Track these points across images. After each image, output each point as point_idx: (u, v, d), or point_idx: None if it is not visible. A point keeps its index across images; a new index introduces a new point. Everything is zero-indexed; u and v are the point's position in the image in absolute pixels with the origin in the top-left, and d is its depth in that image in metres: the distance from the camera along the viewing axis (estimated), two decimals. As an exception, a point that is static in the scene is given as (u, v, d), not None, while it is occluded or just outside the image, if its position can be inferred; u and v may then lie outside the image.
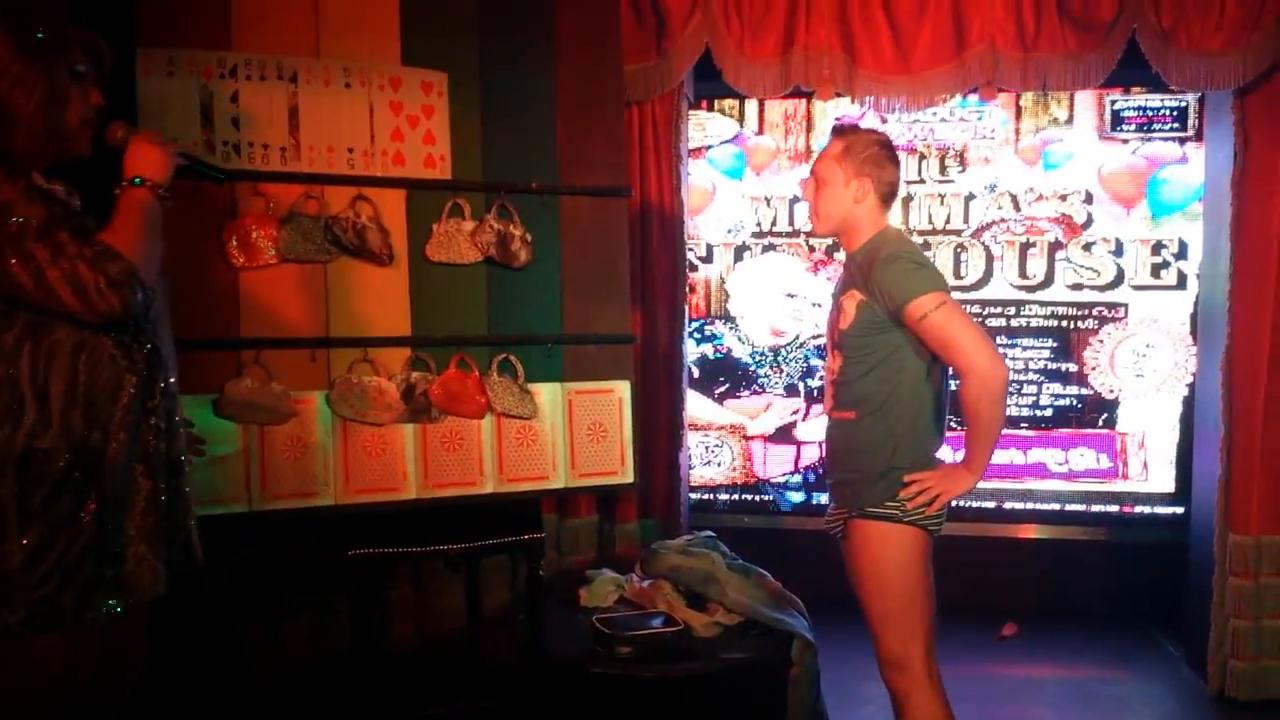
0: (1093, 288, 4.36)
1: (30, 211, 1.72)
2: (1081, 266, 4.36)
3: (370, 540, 2.72)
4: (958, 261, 4.41)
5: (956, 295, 2.89)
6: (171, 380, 1.97)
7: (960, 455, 2.48)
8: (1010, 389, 4.30)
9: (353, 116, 2.86)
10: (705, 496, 4.62)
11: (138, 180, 1.90)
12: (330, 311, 2.81)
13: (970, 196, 4.40)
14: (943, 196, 4.41)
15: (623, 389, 3.12)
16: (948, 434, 2.55)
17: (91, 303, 1.73)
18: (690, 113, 4.33)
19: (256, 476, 2.72)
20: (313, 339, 2.80)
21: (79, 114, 1.85)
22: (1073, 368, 4.38)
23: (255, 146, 2.78)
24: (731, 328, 4.59)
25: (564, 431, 3.04)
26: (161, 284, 1.98)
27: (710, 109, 4.53)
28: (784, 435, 4.57)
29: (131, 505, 1.84)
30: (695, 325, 4.54)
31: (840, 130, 2.60)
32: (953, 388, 2.51)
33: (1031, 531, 4.43)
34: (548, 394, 3.03)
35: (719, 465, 4.62)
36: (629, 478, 3.13)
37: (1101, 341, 4.36)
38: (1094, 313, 4.36)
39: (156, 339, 1.92)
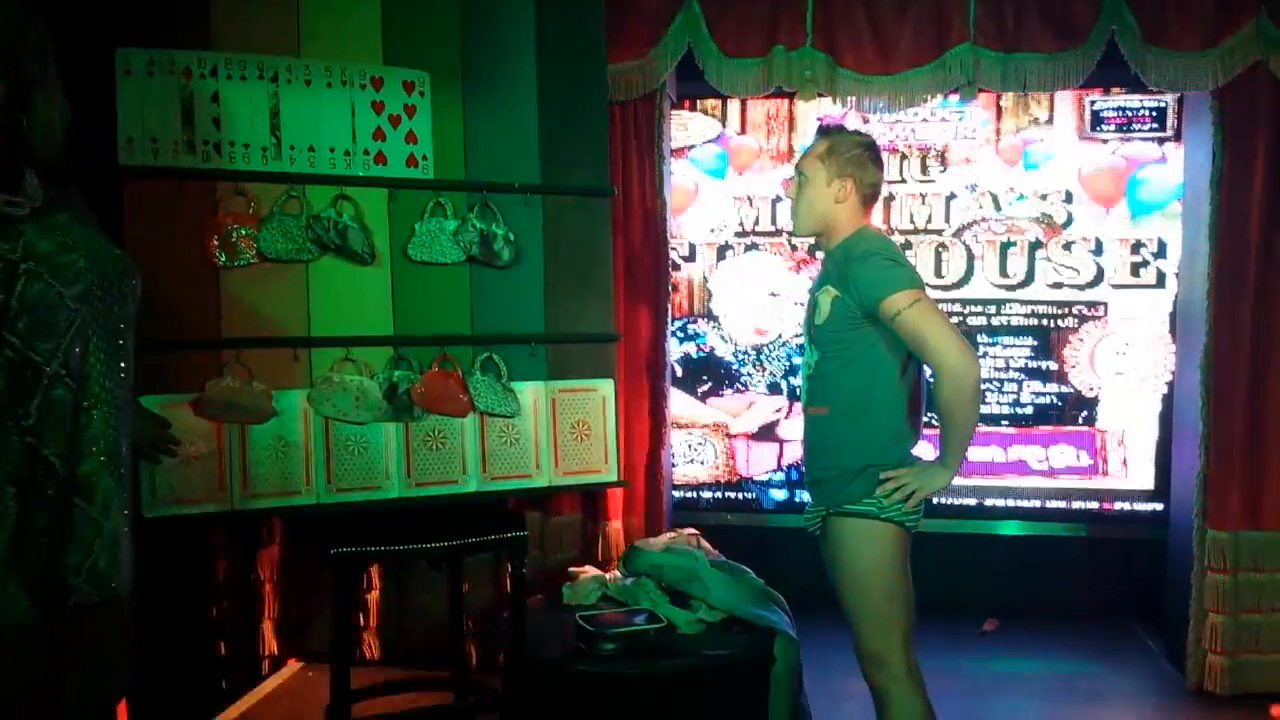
0: (1073, 286, 4.38)
1: None
2: (1061, 265, 4.38)
3: (353, 538, 2.71)
4: (939, 260, 4.43)
5: (938, 294, 2.92)
6: (63, 393, 1.78)
7: (936, 452, 2.50)
8: (991, 387, 4.36)
9: (334, 116, 2.86)
10: (689, 494, 4.63)
11: None
12: (312, 311, 2.81)
13: (951, 196, 4.43)
14: (924, 196, 4.44)
15: (606, 388, 3.13)
16: (924, 431, 2.56)
17: None
18: (673, 112, 4.34)
19: (238, 476, 2.72)
20: (295, 338, 2.80)
21: None
22: (1053, 366, 4.41)
23: (236, 146, 2.78)
24: (714, 326, 4.60)
25: (548, 430, 3.05)
26: (110, 284, 1.84)
27: (693, 109, 4.54)
28: (767, 433, 4.58)
29: None
30: (678, 324, 4.55)
31: (825, 130, 2.62)
32: (929, 384, 2.52)
33: (1012, 528, 4.45)
34: (531, 393, 3.03)
35: (702, 463, 4.63)
36: (613, 476, 3.14)
37: (1081, 340, 4.38)
38: (1074, 311, 4.39)
39: (31, 349, 1.75)
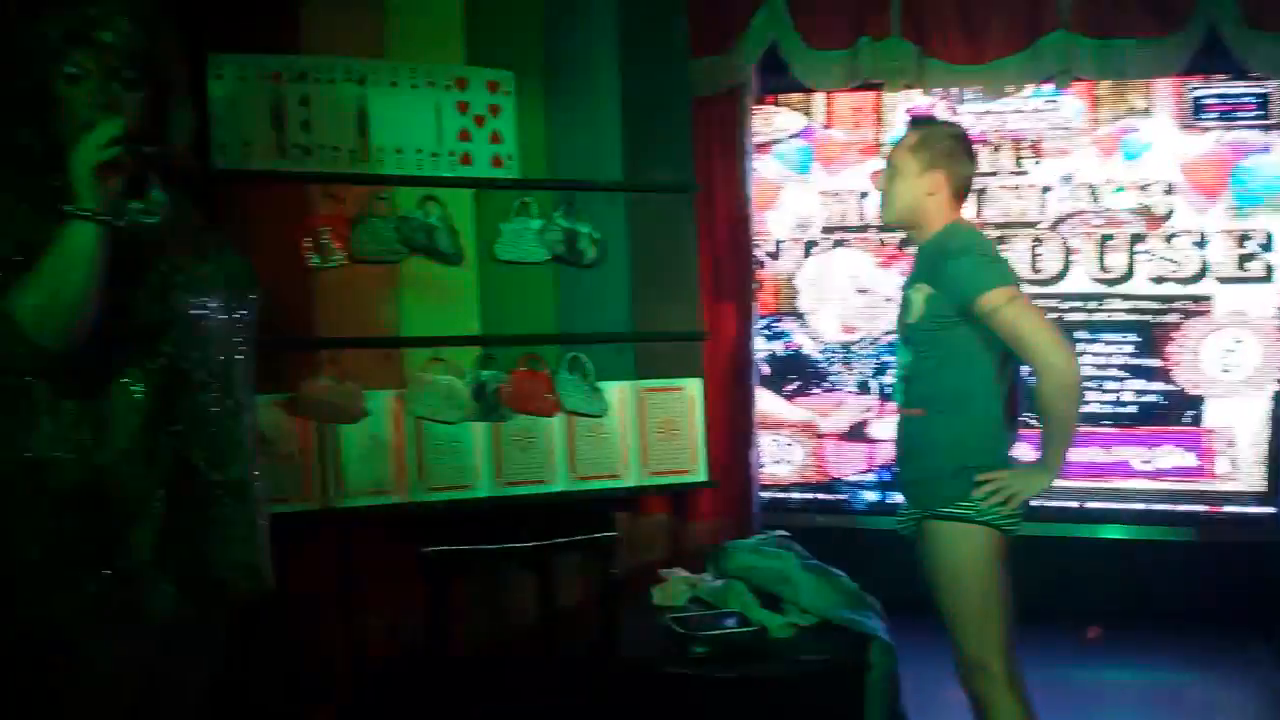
0: (1175, 280, 4.23)
1: None
2: (1163, 259, 4.23)
3: (444, 538, 2.72)
4: (1034, 255, 4.31)
5: (1033, 290, 2.82)
6: (209, 400, 1.87)
7: (1036, 454, 2.41)
8: (1091, 385, 4.22)
9: (420, 117, 2.88)
10: (777, 495, 4.57)
11: (72, 210, 1.68)
12: (402, 311, 2.84)
13: (1046, 188, 4.30)
14: (1017, 188, 4.32)
15: (694, 386, 3.10)
16: (1023, 432, 2.48)
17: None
18: (757, 107, 4.30)
19: (331, 475, 2.74)
20: (385, 338, 2.82)
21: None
22: (1156, 363, 4.26)
23: (325, 149, 2.80)
24: (801, 324, 4.54)
25: (635, 429, 3.02)
26: (241, 298, 1.92)
27: (777, 103, 4.49)
28: (857, 433, 4.51)
29: (144, 528, 1.79)
30: (764, 322, 4.49)
31: (916, 121, 2.57)
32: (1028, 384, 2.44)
33: (1115, 532, 4.31)
34: (618, 392, 3.02)
35: (790, 464, 4.57)
36: (701, 476, 3.11)
37: (1186, 336, 4.23)
38: (1177, 306, 4.23)
39: (185, 359, 1.83)
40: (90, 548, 1.74)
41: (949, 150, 2.45)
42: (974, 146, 2.53)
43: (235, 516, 1.90)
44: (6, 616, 1.72)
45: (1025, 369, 2.40)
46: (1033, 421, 2.38)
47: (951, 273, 2.34)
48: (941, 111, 4.17)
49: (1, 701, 1.78)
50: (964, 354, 2.38)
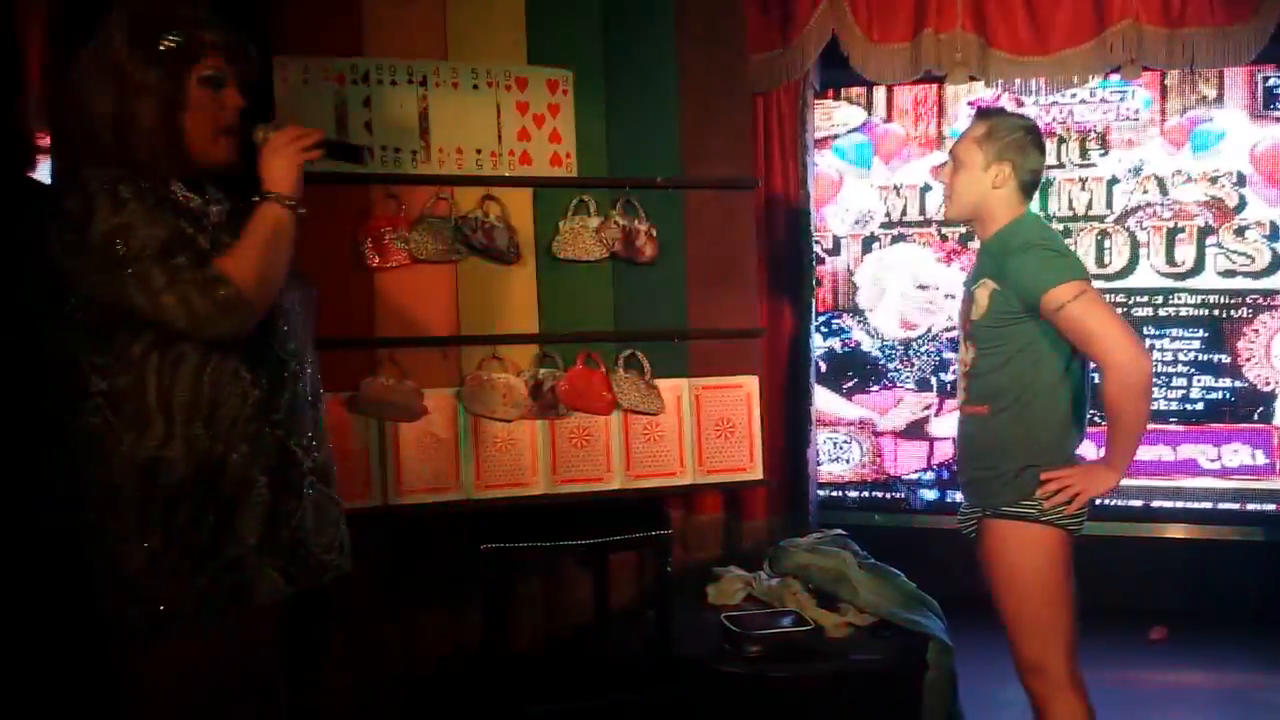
0: (1246, 274, 4.13)
1: (152, 232, 1.72)
2: (1234, 252, 4.13)
3: (501, 535, 2.75)
4: (1101, 249, 4.23)
5: (1100, 284, 2.77)
6: (303, 389, 1.97)
7: (1101, 452, 2.37)
8: (1158, 382, 4.14)
9: (481, 117, 2.90)
10: (834, 493, 4.54)
11: (266, 196, 1.88)
12: (460, 310, 2.86)
13: (1113, 180, 4.22)
14: (1084, 181, 4.24)
15: (751, 384, 3.09)
16: (1089, 429, 2.44)
17: (200, 326, 1.74)
18: (816, 101, 4.26)
19: (391, 472, 2.78)
20: (444, 337, 2.85)
21: (208, 122, 1.85)
22: (1226, 359, 4.16)
23: (387, 150, 2.83)
24: (860, 321, 4.51)
25: (691, 427, 3.02)
26: (307, 293, 2.03)
27: (837, 97, 4.44)
28: (916, 431, 4.46)
29: (251, 515, 1.85)
30: (822, 319, 4.46)
31: (984, 112, 2.50)
32: (1094, 381, 2.40)
33: (1181, 531, 4.23)
34: (674, 389, 3.02)
35: (848, 462, 4.54)
36: (758, 474, 3.09)
37: (1257, 331, 4.13)
38: (1248, 301, 4.13)
39: (284, 350, 1.93)
40: (200, 539, 1.80)
41: (1018, 142, 2.40)
42: (1043, 138, 2.48)
43: (325, 500, 2.00)
44: (122, 611, 1.78)
45: (1092, 365, 2.36)
46: (1099, 419, 2.34)
47: (1017, 268, 2.31)
48: (1006, 103, 4.10)
49: (106, 688, 1.86)
50: (1030, 351, 2.35)
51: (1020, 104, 4.10)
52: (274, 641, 1.98)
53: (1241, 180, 4.11)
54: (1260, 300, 4.12)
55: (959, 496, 2.60)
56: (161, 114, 1.80)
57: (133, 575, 1.76)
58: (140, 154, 1.79)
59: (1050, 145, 4.20)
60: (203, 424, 1.80)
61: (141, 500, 1.77)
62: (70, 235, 1.71)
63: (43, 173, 2.50)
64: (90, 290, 1.73)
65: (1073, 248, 3.84)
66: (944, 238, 4.39)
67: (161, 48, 1.80)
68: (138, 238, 1.71)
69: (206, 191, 1.92)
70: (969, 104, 4.29)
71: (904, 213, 4.42)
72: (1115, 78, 3.95)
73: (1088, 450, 2.45)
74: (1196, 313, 4.18)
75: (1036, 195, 2.52)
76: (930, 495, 4.45)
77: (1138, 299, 4.21)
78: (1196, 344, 4.19)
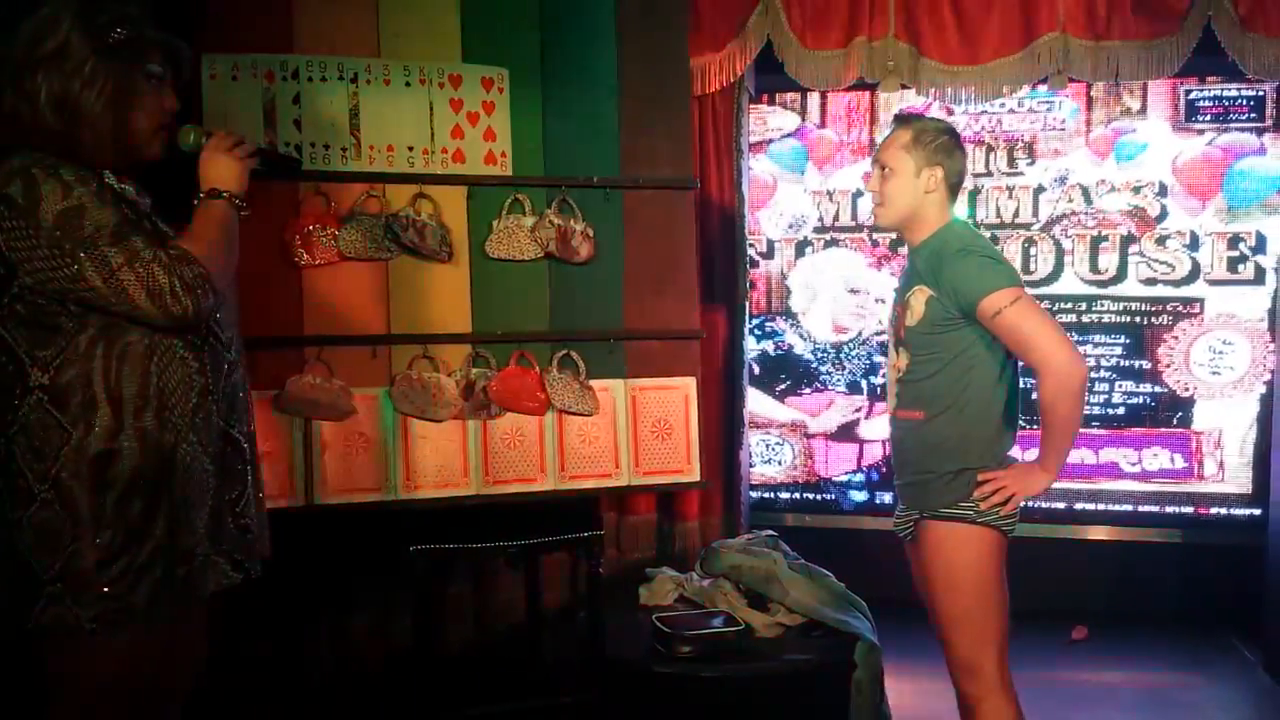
0: (1167, 282, 4.24)
1: (103, 215, 1.72)
2: (1155, 261, 4.24)
3: (431, 536, 2.72)
4: (1027, 256, 4.31)
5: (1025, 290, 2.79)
6: (238, 377, 1.99)
7: (1032, 454, 2.41)
8: (1082, 387, 4.22)
9: (413, 115, 2.86)
10: (766, 495, 4.57)
11: (216, 193, 1.93)
12: (391, 308, 2.82)
13: (1040, 189, 4.31)
14: (1011, 189, 4.32)
15: (689, 385, 3.08)
16: (1020, 433, 2.48)
17: (165, 306, 1.74)
18: (751, 106, 4.29)
19: (318, 472, 2.74)
20: (374, 336, 2.81)
21: (151, 117, 1.86)
22: (1146, 365, 4.27)
23: (317, 147, 2.79)
24: (793, 324, 4.54)
25: (628, 428, 3.01)
26: (233, 284, 2.02)
27: (771, 103, 4.48)
28: (846, 433, 4.51)
29: (201, 505, 1.86)
30: (756, 321, 4.49)
31: (905, 119, 2.52)
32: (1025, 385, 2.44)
33: (1103, 533, 4.32)
34: (610, 391, 3.00)
35: (780, 463, 4.57)
36: (695, 476, 3.08)
37: (1176, 338, 4.24)
38: (1168, 308, 4.24)
39: (222, 339, 1.94)
40: (154, 532, 1.79)
41: (944, 146, 2.43)
42: (962, 141, 2.52)
43: (261, 491, 2.03)
44: (73, 612, 1.74)
45: (1023, 368, 2.40)
46: (1024, 423, 2.38)
47: (954, 275, 2.33)
48: (936, 112, 4.16)
49: (42, 688, 1.83)
50: (965, 356, 2.37)
51: (950, 112, 4.17)
52: (203, 634, 1.99)
53: (1163, 190, 4.21)
54: (1180, 308, 4.23)
55: (888, 498, 2.63)
56: (112, 104, 1.79)
57: (85, 574, 1.74)
58: (85, 141, 1.78)
59: (979, 154, 4.28)
60: (153, 414, 1.79)
61: (93, 495, 1.74)
62: (15, 221, 1.69)
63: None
64: (39, 277, 1.70)
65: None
66: (875, 243, 4.44)
67: (113, 38, 1.79)
68: (90, 220, 1.70)
69: (130, 182, 1.92)
70: (899, 110, 4.35)
71: (836, 218, 4.47)
72: (1043, 88, 4.03)
73: (1017, 453, 2.48)
74: (1119, 319, 4.28)
75: (965, 202, 2.55)
76: (860, 497, 4.50)
77: (1062, 305, 4.30)
78: (1119, 350, 4.28)
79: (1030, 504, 3.89)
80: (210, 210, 1.91)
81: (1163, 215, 4.22)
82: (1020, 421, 2.49)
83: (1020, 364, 2.41)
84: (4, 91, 1.77)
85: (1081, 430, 4.16)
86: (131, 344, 1.77)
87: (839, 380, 4.51)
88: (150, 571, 1.78)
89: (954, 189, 2.47)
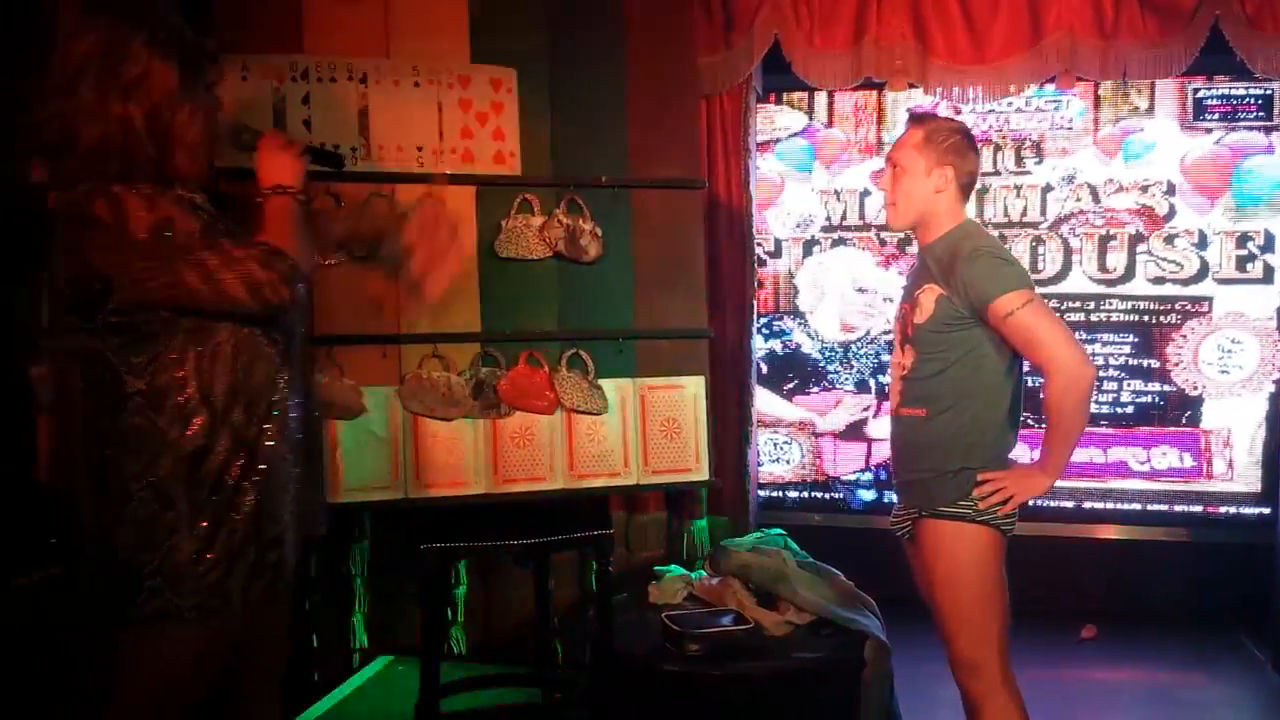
0: (1175, 281, 4.23)
1: (188, 223, 1.81)
2: (1163, 260, 4.23)
3: (440, 535, 2.73)
4: (1035, 255, 4.31)
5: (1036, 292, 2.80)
6: (303, 365, 2.07)
7: (1036, 454, 2.42)
8: (1090, 386, 4.21)
9: (422, 115, 2.87)
10: (774, 494, 4.57)
11: (280, 189, 2.00)
12: (401, 308, 2.83)
13: (1047, 188, 4.31)
14: (1019, 188, 4.32)
15: (697, 385, 3.08)
16: (1022, 432, 2.48)
17: (264, 299, 1.83)
18: (759, 106, 4.29)
19: (329, 471, 2.74)
20: (384, 335, 2.82)
21: (214, 126, 1.95)
22: (1155, 364, 4.26)
23: (326, 147, 2.79)
24: (800, 323, 4.55)
25: (636, 428, 3.01)
26: None
27: (779, 102, 4.48)
28: (854, 432, 4.51)
29: (283, 490, 1.94)
30: (763, 321, 4.49)
31: (918, 118, 2.52)
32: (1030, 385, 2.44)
33: (1111, 532, 4.32)
34: (619, 390, 3.01)
35: (788, 462, 4.57)
36: (704, 475, 3.08)
37: (1185, 337, 4.23)
38: (1177, 307, 4.24)
39: (289, 332, 2.01)
40: (244, 521, 1.86)
41: (956, 146, 2.43)
42: (975, 142, 2.52)
43: (320, 477, 2.16)
44: (173, 602, 1.81)
45: (1028, 369, 2.40)
46: (1032, 421, 2.38)
47: (966, 275, 2.33)
48: (944, 111, 4.16)
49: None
50: (971, 356, 2.38)
51: (958, 111, 4.17)
52: (288, 617, 2.12)
53: (1171, 189, 4.21)
54: (1188, 307, 4.23)
55: (896, 498, 2.62)
56: (197, 122, 1.87)
57: (182, 566, 1.80)
58: (179, 162, 1.86)
59: (987, 153, 4.28)
60: (241, 409, 1.86)
61: (188, 491, 1.82)
62: (107, 239, 1.74)
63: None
64: (135, 288, 1.75)
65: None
66: (882, 242, 4.45)
67: (184, 55, 1.85)
68: (180, 228, 1.79)
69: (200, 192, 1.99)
70: (909, 110, 4.35)
71: (844, 217, 4.47)
72: (1050, 87, 4.03)
73: (1020, 452, 2.49)
74: (1127, 318, 4.28)
75: (973, 202, 2.55)
76: (868, 496, 4.50)
77: (1070, 304, 4.29)
78: (1127, 349, 4.28)
79: (1039, 503, 3.90)
80: (275, 206, 1.99)
81: (1171, 214, 4.22)
82: (1027, 419, 2.48)
83: (1026, 365, 2.41)
84: (90, 124, 1.78)
85: (1090, 429, 4.23)
86: (220, 344, 1.85)
87: (847, 379, 4.51)
88: (243, 559, 1.85)
89: (965, 189, 2.47)
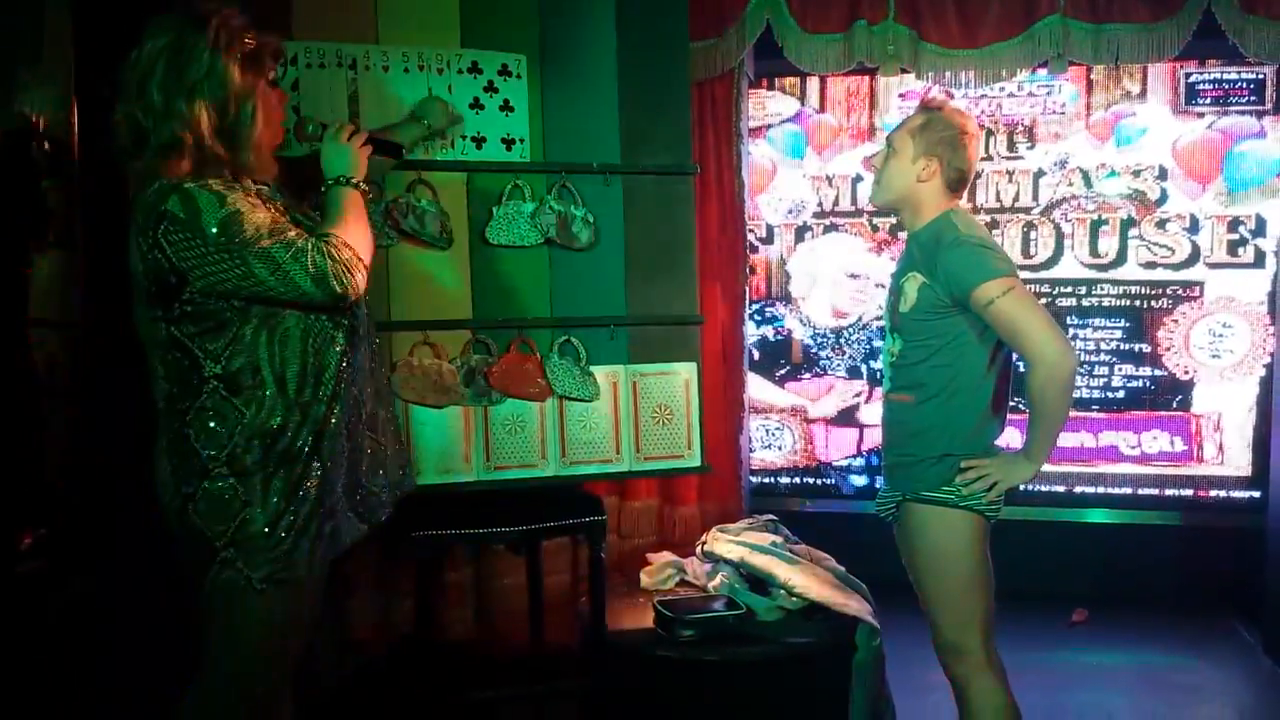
0: (1167, 266, 4.24)
1: (258, 216, 1.90)
2: (1155, 244, 4.24)
3: (432, 522, 2.73)
4: (1027, 240, 4.32)
5: (1026, 275, 2.82)
6: (365, 350, 2.16)
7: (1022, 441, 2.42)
8: (1081, 370, 4.23)
9: (412, 101, 2.84)
10: (766, 480, 4.58)
11: (343, 180, 2.12)
12: (391, 295, 2.82)
13: (1040, 173, 4.31)
14: (1011, 173, 4.32)
15: (689, 371, 3.07)
16: (1011, 417, 2.49)
17: (330, 289, 1.93)
18: (751, 91, 4.28)
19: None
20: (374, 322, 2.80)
21: (280, 118, 2.06)
22: (1146, 348, 4.27)
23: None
24: (792, 309, 4.55)
25: (628, 414, 3.01)
26: None
27: (771, 87, 4.48)
28: (846, 418, 4.52)
29: (339, 465, 2.04)
30: (755, 307, 4.49)
31: (927, 104, 2.49)
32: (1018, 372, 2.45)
33: (1103, 516, 4.34)
34: (611, 377, 3.00)
35: (780, 448, 4.58)
36: (697, 462, 3.08)
37: (1176, 321, 4.24)
38: (1168, 292, 4.25)
39: (356, 316, 2.10)
40: (311, 495, 1.98)
41: (950, 140, 2.41)
42: (980, 140, 2.50)
43: (374, 445, 2.19)
44: (245, 574, 1.94)
45: (1017, 357, 2.40)
46: (1024, 407, 2.38)
47: (947, 263, 2.32)
48: (937, 94, 4.15)
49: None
50: (956, 343, 2.37)
51: (950, 96, 4.16)
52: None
53: (1163, 174, 4.22)
54: (1180, 291, 4.24)
55: (882, 480, 2.63)
56: (262, 119, 1.96)
57: (254, 539, 1.93)
58: (246, 161, 1.96)
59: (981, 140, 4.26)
60: (311, 390, 1.99)
61: (262, 467, 1.94)
62: (181, 234, 1.85)
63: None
64: (211, 280, 1.87)
65: (1000, 239, 3.93)
66: (875, 228, 4.45)
67: (245, 53, 1.93)
68: (250, 223, 1.87)
69: (269, 184, 2.08)
70: (900, 96, 4.35)
71: (836, 203, 4.47)
72: (1043, 72, 4.02)
73: (1009, 437, 2.49)
74: (1118, 303, 4.29)
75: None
76: (860, 481, 4.52)
77: (1062, 289, 4.30)
78: (1118, 333, 4.29)
79: (1030, 487, 3.92)
80: (342, 196, 2.09)
81: (1163, 199, 4.22)
82: (1019, 404, 2.49)
83: (1013, 352, 2.42)
84: (160, 125, 1.88)
85: (1081, 414, 4.25)
86: (289, 329, 1.96)
87: (839, 365, 4.52)
88: (307, 532, 1.98)
89: (954, 184, 2.44)
